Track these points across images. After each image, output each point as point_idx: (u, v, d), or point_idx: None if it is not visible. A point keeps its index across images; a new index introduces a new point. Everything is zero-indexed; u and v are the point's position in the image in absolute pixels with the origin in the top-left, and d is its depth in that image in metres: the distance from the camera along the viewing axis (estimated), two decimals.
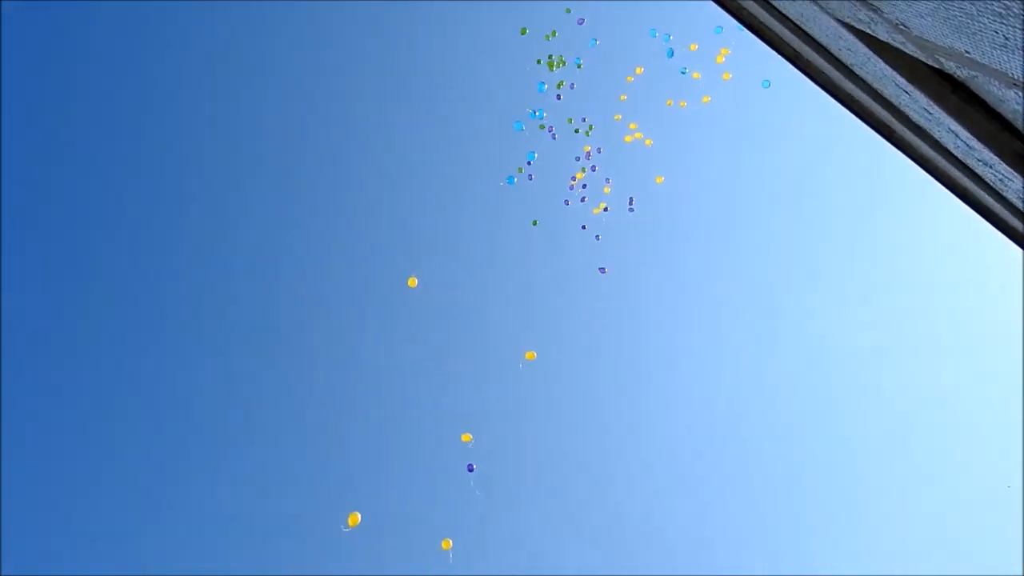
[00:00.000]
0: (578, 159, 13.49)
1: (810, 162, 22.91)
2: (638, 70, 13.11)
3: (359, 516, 10.25)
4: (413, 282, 13.28)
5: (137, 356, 19.96)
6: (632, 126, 13.32)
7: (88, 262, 19.90)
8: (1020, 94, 1.78)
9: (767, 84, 12.34)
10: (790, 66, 4.55)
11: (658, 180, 14.62)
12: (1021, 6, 1.32)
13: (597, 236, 14.27)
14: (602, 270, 14.90)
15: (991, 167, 2.67)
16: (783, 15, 3.60)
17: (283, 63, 21.00)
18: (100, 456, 19.72)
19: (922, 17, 1.79)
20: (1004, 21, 1.43)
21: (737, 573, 20.71)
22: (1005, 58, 1.59)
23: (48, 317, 19.26)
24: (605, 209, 13.90)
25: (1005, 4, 1.37)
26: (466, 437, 12.15)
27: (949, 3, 1.58)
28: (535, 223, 14.89)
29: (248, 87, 21.08)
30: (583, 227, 14.17)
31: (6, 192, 17.98)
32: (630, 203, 14.19)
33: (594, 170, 13.57)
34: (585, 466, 22.23)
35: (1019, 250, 3.72)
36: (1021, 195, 2.69)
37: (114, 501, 19.43)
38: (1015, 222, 3.29)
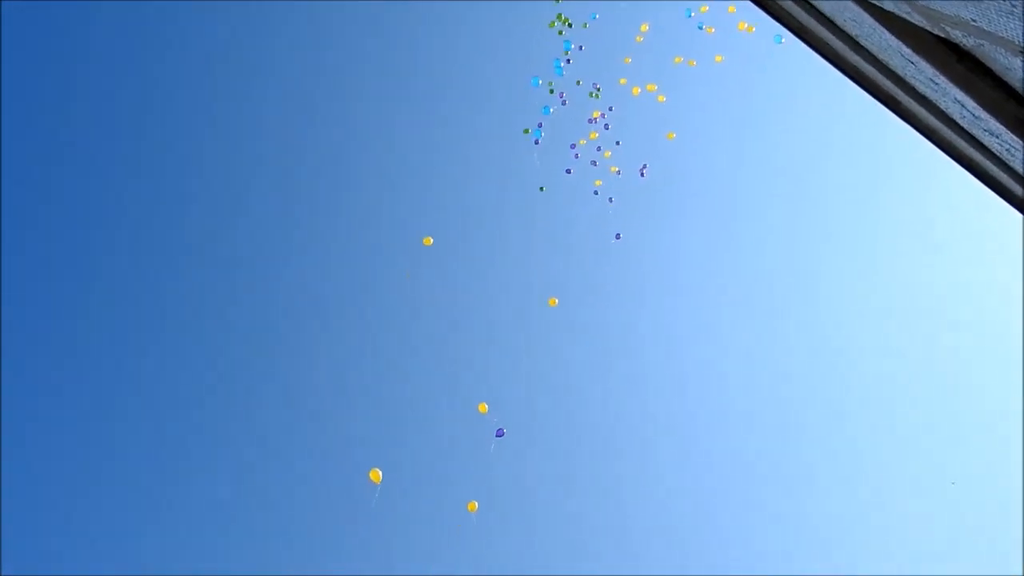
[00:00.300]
0: (591, 122, 13.40)
1: (815, 135, 22.77)
2: (644, 27, 12.99)
3: (379, 472, 10.50)
4: (428, 241, 13.44)
5: (137, 356, 19.95)
6: (651, 87, 13.20)
7: (88, 262, 19.93)
8: None
9: (779, 39, 12.22)
10: (795, 38, 4.51)
11: (670, 136, 14.54)
12: None
13: (610, 199, 14.29)
14: (617, 236, 14.90)
15: (997, 137, 2.67)
16: None
17: (294, 44, 20.83)
18: (100, 456, 19.78)
19: None
20: None
21: (737, 573, 20.70)
22: (1012, 25, 1.59)
23: (48, 317, 19.33)
24: (617, 173, 13.88)
25: None
26: (482, 408, 12.19)
27: None
28: (543, 189, 14.87)
29: (249, 74, 20.97)
30: (595, 192, 14.14)
31: (6, 192, 17.98)
32: (642, 171, 14.17)
33: (607, 128, 13.51)
34: (589, 429, 22.17)
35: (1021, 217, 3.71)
36: None
37: (114, 501, 19.58)
38: (1020, 191, 3.28)
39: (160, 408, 20.01)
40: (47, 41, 18.82)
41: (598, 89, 13.31)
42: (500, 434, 12.43)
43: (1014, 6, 1.49)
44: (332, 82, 21.44)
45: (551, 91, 13.09)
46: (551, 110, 13.28)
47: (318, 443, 21.42)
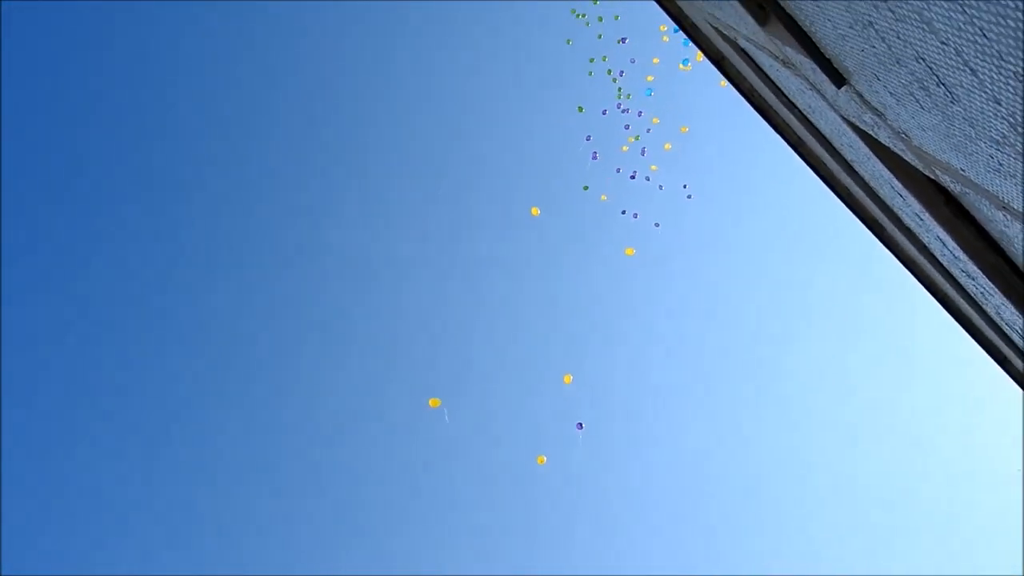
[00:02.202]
0: (627, 127, 13.41)
1: (796, 248, 23.29)
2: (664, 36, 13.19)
3: (438, 401, 10.88)
4: (535, 211, 13.82)
5: (138, 356, 19.70)
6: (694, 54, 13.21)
7: (88, 262, 19.78)
8: (1008, 217, 1.84)
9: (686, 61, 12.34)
10: (791, 151, 4.64)
11: (666, 147, 14.72)
12: (1019, 137, 1.37)
13: (656, 224, 14.46)
14: (656, 225, 14.99)
15: (974, 279, 2.73)
16: (791, 102, 3.69)
17: (334, 30, 20.83)
18: (99, 456, 19.51)
19: (924, 130, 1.85)
20: (1000, 148, 1.48)
21: (737, 573, 20.61)
22: (997, 182, 1.65)
23: (48, 318, 19.13)
24: (646, 179, 13.97)
25: (1002, 132, 1.42)
26: (567, 379, 12.47)
27: (951, 122, 1.63)
28: (604, 198, 14.94)
29: (253, 75, 21.04)
30: (632, 215, 14.25)
31: (6, 192, 17.93)
32: (686, 191, 14.35)
33: (648, 132, 13.60)
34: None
35: (993, 363, 3.78)
36: (998, 311, 2.74)
37: (114, 501, 19.32)
38: (992, 335, 3.34)
39: (161, 408, 19.74)
40: (47, 41, 18.95)
41: (627, 96, 13.38)
42: (580, 427, 12.77)
43: (1001, 165, 1.55)
44: (339, 84, 21.58)
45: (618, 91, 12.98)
46: (652, 92, 13.21)
47: (319, 444, 21.12)
